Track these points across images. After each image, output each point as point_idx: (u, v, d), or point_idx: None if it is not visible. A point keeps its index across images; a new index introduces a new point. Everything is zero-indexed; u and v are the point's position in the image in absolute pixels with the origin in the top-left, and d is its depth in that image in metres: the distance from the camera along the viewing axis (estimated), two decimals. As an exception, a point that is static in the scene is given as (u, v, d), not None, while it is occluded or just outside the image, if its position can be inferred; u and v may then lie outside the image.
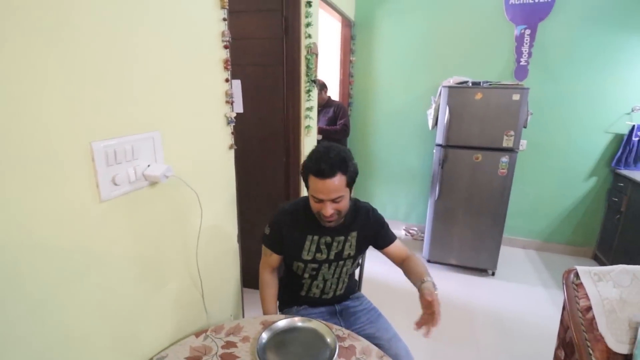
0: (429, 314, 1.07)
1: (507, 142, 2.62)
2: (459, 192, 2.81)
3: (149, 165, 0.96)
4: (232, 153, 1.41)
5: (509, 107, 2.55)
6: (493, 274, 2.90)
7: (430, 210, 2.97)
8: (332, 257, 1.33)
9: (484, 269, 2.91)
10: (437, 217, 2.92)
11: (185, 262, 1.19)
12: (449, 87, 2.67)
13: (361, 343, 1.13)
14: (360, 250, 1.37)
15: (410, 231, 3.63)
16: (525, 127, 2.70)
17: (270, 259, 1.38)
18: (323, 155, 1.15)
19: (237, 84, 2.07)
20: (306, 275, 1.36)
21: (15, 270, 0.68)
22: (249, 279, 1.70)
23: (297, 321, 1.19)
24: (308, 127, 2.23)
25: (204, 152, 1.24)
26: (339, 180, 1.14)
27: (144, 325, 1.04)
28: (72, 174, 0.77)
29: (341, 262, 1.35)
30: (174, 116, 1.06)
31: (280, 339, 1.13)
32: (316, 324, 1.18)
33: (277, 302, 1.46)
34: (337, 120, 3.08)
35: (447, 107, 2.66)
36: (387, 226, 1.40)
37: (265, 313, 1.36)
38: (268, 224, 1.36)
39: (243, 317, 1.66)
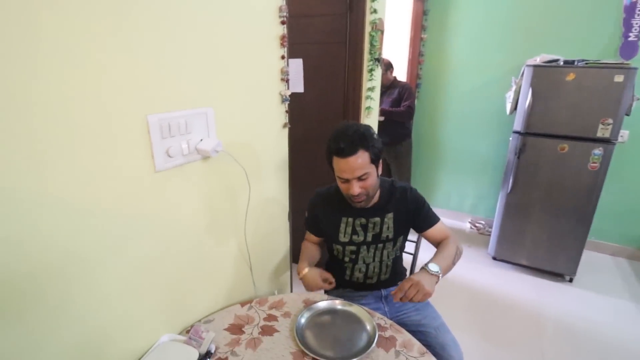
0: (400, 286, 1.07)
1: (602, 132, 2.25)
2: (536, 185, 2.52)
3: (201, 140, 1.00)
4: (285, 132, 1.41)
5: (609, 90, 2.17)
6: (571, 280, 2.57)
7: (500, 203, 2.71)
8: (369, 239, 1.30)
9: (560, 274, 2.60)
10: (508, 212, 2.66)
11: (234, 235, 1.24)
12: (534, 66, 2.36)
13: (403, 336, 1.08)
14: (400, 232, 1.33)
15: (477, 225, 3.37)
16: (628, 114, 2.28)
17: (310, 239, 1.45)
18: (341, 134, 1.13)
19: (298, 62, 2.06)
20: (346, 259, 1.35)
21: (73, 231, 0.76)
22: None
23: (338, 304, 1.18)
24: (369, 108, 2.15)
25: (257, 130, 1.25)
26: (361, 156, 1.12)
27: (194, 289, 1.11)
28: (129, 144, 0.83)
29: (380, 245, 1.32)
30: (228, 92, 1.08)
31: (320, 319, 1.14)
32: (357, 309, 1.15)
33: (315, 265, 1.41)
34: (401, 102, 2.93)
35: (530, 89, 2.35)
36: (428, 207, 1.32)
37: (299, 270, 1.29)
38: (307, 207, 1.40)
39: (291, 291, 1.70)
